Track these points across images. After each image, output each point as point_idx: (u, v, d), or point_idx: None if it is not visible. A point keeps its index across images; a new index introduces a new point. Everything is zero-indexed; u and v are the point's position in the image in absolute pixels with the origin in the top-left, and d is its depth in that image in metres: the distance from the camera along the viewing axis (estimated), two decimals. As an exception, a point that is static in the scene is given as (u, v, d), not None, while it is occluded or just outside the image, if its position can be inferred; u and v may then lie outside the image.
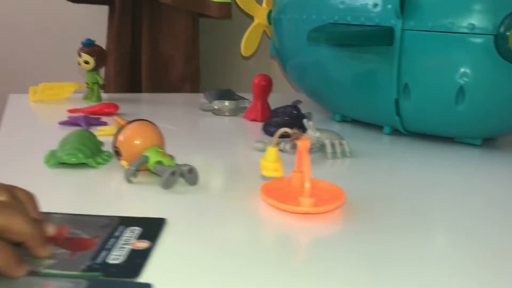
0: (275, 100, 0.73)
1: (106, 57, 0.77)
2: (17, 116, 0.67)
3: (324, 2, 0.65)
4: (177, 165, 0.41)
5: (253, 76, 0.71)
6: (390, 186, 0.47)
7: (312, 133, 0.54)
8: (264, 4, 0.85)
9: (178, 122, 0.68)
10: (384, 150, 0.61)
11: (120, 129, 0.43)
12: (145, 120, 0.44)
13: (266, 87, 0.70)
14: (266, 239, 0.35)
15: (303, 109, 0.67)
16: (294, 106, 0.62)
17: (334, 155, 0.54)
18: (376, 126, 0.68)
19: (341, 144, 0.54)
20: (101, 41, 1.15)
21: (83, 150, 0.45)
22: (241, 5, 0.83)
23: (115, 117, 0.48)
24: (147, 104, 0.80)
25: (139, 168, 0.42)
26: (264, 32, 0.88)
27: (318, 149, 0.54)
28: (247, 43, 0.86)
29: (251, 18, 0.86)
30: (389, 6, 0.57)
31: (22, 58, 1.34)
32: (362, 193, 0.43)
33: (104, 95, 0.79)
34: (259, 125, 0.67)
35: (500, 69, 0.54)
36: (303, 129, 0.56)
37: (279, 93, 0.93)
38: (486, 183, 0.51)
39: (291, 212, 0.37)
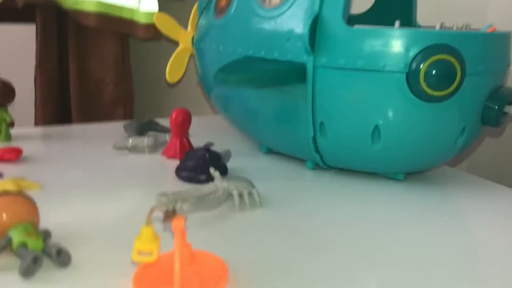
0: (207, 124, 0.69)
1: (12, 92, 0.71)
2: None
3: (238, 35, 0.61)
4: (46, 246, 0.37)
5: (187, 98, 0.66)
6: (301, 237, 0.44)
7: (219, 183, 0.50)
8: (189, 28, 0.81)
9: (86, 166, 0.63)
10: (303, 191, 0.58)
11: (-15, 204, 0.39)
12: (15, 193, 0.40)
13: (184, 122, 0.66)
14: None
15: (229, 140, 0.63)
16: (206, 149, 0.58)
17: (243, 206, 0.50)
18: (301, 160, 0.65)
19: (250, 194, 0.51)
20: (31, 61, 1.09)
21: None
22: (163, 31, 0.79)
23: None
24: (58, 141, 0.74)
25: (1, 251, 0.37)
26: (192, 55, 0.84)
27: (225, 199, 0.50)
28: (172, 69, 0.81)
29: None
30: (299, 44, 0.54)
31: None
32: (265, 254, 0.40)
33: (15, 132, 0.73)
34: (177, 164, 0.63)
35: (413, 107, 0.51)
36: (211, 178, 0.52)
37: (210, 116, 0.90)
38: (409, 216, 0.49)
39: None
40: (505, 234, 0.47)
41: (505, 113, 0.55)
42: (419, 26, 0.73)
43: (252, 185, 0.52)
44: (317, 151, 0.59)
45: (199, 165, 0.57)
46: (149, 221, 0.35)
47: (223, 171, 0.58)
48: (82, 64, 1.00)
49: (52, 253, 0.36)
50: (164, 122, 0.80)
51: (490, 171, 0.86)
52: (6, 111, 0.71)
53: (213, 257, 0.37)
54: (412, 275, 0.39)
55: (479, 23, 0.82)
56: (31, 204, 0.40)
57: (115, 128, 0.82)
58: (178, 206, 0.45)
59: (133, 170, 0.63)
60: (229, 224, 0.47)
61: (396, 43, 0.50)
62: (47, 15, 0.99)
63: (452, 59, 0.49)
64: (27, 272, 0.35)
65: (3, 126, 0.71)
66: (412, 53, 0.50)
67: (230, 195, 0.50)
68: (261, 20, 0.58)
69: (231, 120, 0.73)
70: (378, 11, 0.76)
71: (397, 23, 0.53)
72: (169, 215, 0.35)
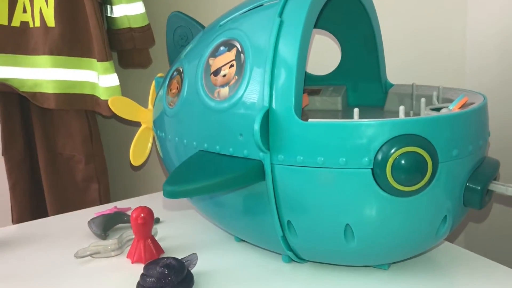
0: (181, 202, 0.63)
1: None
2: None
3: (191, 128, 0.56)
4: None
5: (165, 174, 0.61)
6: None
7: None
8: (149, 106, 0.76)
9: (47, 277, 0.58)
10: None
11: None
12: None
13: (145, 224, 0.61)
14: None
15: (206, 229, 0.58)
16: (165, 264, 0.52)
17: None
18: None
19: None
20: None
21: None
22: (121, 115, 0.73)
23: None
24: (16, 245, 0.69)
25: None
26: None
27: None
28: (136, 151, 0.76)
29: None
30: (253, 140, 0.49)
31: None
32: None
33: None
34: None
35: (385, 203, 0.46)
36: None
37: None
38: None
39: None
40: None
41: (490, 191, 0.50)
42: (390, 85, 0.68)
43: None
44: (289, 249, 0.54)
45: (160, 283, 0.51)
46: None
47: (189, 282, 0.53)
48: (50, 144, 0.96)
49: None
50: (145, 201, 0.75)
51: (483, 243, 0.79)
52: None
53: None
54: None
55: (455, 76, 0.77)
56: None
57: (74, 221, 0.76)
58: None
59: (94, 280, 0.57)
60: None
61: (357, 136, 0.45)
62: (8, 97, 0.95)
63: (421, 150, 0.44)
64: None
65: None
66: (375, 146, 0.44)
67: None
68: (212, 113, 0.53)
69: (200, 210, 0.67)
70: (346, 70, 0.71)
71: (355, 111, 0.48)
72: None
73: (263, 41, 0.50)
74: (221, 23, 0.57)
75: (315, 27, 0.64)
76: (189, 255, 0.57)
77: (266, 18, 0.50)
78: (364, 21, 0.64)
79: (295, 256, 0.55)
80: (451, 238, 0.81)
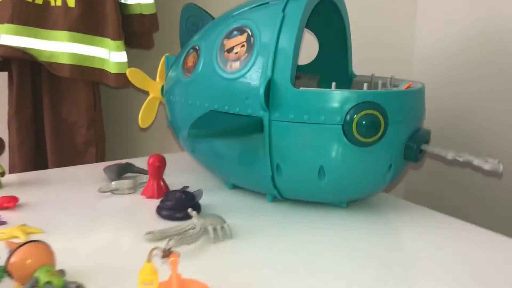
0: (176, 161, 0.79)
1: (2, 145, 0.79)
2: None
3: (205, 92, 0.73)
4: (66, 282, 0.47)
5: (155, 140, 0.76)
6: (266, 261, 0.55)
7: (196, 221, 0.61)
8: (157, 79, 0.92)
9: (76, 210, 0.72)
10: (265, 221, 0.69)
11: (11, 252, 0.48)
12: (35, 241, 0.49)
13: (160, 167, 0.77)
14: None
15: (198, 177, 0.73)
16: (183, 191, 0.69)
17: (217, 238, 0.61)
18: (261, 194, 0.77)
19: (222, 227, 0.62)
20: (2, 106, 1.16)
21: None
22: (135, 83, 0.89)
23: (6, 242, 0.52)
24: (45, 187, 0.83)
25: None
26: (161, 102, 0.94)
27: (202, 234, 0.61)
28: (144, 116, 0.92)
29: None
30: (256, 102, 0.66)
31: None
32: (238, 276, 0.51)
33: (4, 180, 0.81)
34: (155, 203, 0.73)
35: (349, 151, 0.64)
36: (187, 216, 0.63)
37: (178, 154, 1.00)
38: (351, 238, 0.62)
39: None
40: (432, 249, 0.61)
41: (423, 151, 0.70)
42: (354, 75, 0.88)
43: (223, 220, 0.63)
44: (275, 187, 0.71)
45: (177, 205, 0.67)
46: (150, 259, 0.46)
47: (197, 209, 0.69)
48: (56, 110, 1.09)
49: (72, 288, 0.46)
50: (138, 163, 0.90)
51: (420, 195, 1.01)
52: (-3, 162, 0.79)
53: (198, 282, 0.48)
54: (353, 285, 0.51)
55: (405, 71, 0.98)
56: (49, 249, 0.50)
57: (92, 170, 0.91)
58: (165, 243, 0.55)
59: (118, 210, 0.72)
60: (207, 254, 0.58)
61: (332, 101, 0.63)
62: (22, 66, 1.07)
63: (377, 113, 0.63)
64: (56, 305, 0.45)
65: (-5, 176, 0.79)
66: (345, 109, 0.63)
67: (206, 230, 0.61)
68: (224, 81, 0.70)
69: (198, 160, 0.84)
70: (321, 62, 0.90)
71: (333, 84, 0.66)
72: (166, 253, 0.46)
73: (269, 28, 0.67)
74: (234, 14, 0.74)
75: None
76: (196, 190, 0.73)
77: (272, 12, 0.68)
78: (338, 23, 0.83)
79: (278, 194, 0.73)
80: (395, 192, 1.01)
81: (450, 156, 0.68)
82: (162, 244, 0.55)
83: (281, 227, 0.67)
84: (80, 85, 1.07)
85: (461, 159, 0.67)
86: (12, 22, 0.98)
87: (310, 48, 0.90)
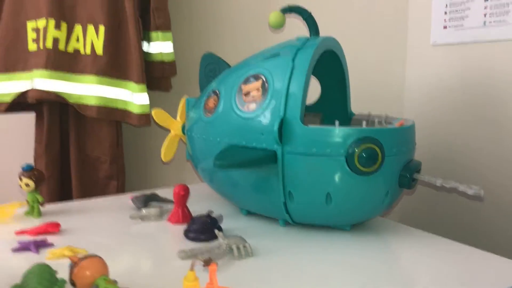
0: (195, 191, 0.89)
1: (43, 178, 0.89)
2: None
3: (224, 129, 0.83)
4: (120, 289, 0.56)
5: (172, 173, 0.86)
6: (283, 273, 0.65)
7: (222, 240, 0.71)
8: (178, 118, 1.03)
9: (113, 234, 0.82)
10: (280, 242, 0.79)
11: (74, 265, 0.57)
12: (93, 256, 0.59)
13: (185, 196, 0.87)
14: None
15: (216, 205, 0.83)
16: (208, 215, 0.79)
17: (240, 256, 0.71)
18: (274, 219, 0.87)
19: (244, 247, 0.71)
20: (29, 144, 1.26)
21: (43, 283, 0.58)
22: (159, 122, 1.00)
23: (70, 257, 0.61)
24: (81, 215, 0.92)
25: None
26: (181, 139, 1.05)
27: (227, 251, 0.71)
28: (166, 151, 1.02)
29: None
30: (271, 137, 0.77)
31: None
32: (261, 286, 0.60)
33: (42, 209, 0.91)
34: (181, 228, 0.82)
35: (352, 179, 0.75)
36: (211, 237, 0.73)
37: (197, 185, 1.10)
38: (356, 257, 0.71)
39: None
40: (425, 265, 0.70)
41: (415, 179, 0.80)
42: (353, 114, 0.99)
43: (244, 240, 0.73)
44: (287, 212, 0.81)
45: (203, 228, 0.77)
46: (192, 268, 0.55)
47: (220, 231, 0.79)
48: (81, 147, 1.19)
49: (126, 294, 0.55)
50: (160, 193, 1.00)
51: (414, 217, 1.11)
52: (38, 193, 0.89)
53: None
54: (358, 292, 0.60)
55: (397, 108, 1.09)
56: (104, 262, 0.59)
57: (116, 201, 1.01)
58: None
59: (148, 234, 0.82)
60: (232, 269, 0.68)
61: (337, 137, 0.74)
62: (52, 107, 1.18)
63: (375, 147, 0.74)
64: (115, 306, 0.54)
65: (36, 205, 0.88)
66: (348, 143, 0.74)
67: (230, 249, 0.71)
68: (242, 120, 0.81)
69: (215, 189, 0.94)
70: (323, 102, 1.02)
71: (336, 123, 0.77)
72: (207, 262, 0.56)
73: (281, 75, 0.79)
74: (250, 63, 0.86)
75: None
76: (218, 215, 0.83)
77: (283, 62, 0.80)
78: (338, 69, 0.96)
79: (290, 219, 0.82)
80: (392, 215, 1.11)
81: (438, 182, 0.78)
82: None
83: (293, 247, 0.76)
84: (104, 124, 1.18)
85: (448, 185, 0.77)
86: (45, 68, 1.10)
87: (313, 91, 1.02)
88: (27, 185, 0.87)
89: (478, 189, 0.75)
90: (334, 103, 1.00)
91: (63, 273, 0.60)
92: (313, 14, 0.88)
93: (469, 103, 1.02)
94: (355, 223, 0.85)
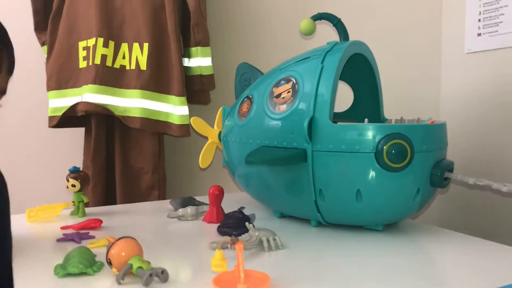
0: (231, 199, 0.92)
1: (89, 180, 0.95)
2: (18, 235, 0.83)
3: (257, 131, 0.86)
4: (153, 268, 0.59)
5: (210, 181, 0.90)
6: (312, 268, 0.66)
7: (252, 232, 0.73)
8: (215, 126, 1.07)
9: (151, 230, 0.86)
10: (311, 241, 0.80)
11: (111, 245, 0.61)
12: (128, 237, 0.62)
13: (219, 196, 0.90)
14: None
15: (251, 209, 0.85)
16: (240, 211, 0.81)
17: (270, 248, 0.72)
18: (306, 220, 0.88)
19: (274, 239, 0.73)
20: (78, 157, 1.34)
21: (83, 263, 0.62)
22: (197, 130, 1.05)
23: (107, 237, 0.66)
24: (123, 215, 0.97)
25: (126, 273, 0.59)
26: (217, 147, 1.09)
27: (257, 244, 0.73)
28: (203, 158, 1.06)
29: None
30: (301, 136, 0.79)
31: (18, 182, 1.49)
32: (288, 276, 0.61)
33: (86, 210, 0.96)
34: (215, 226, 0.85)
35: (382, 175, 0.76)
36: (243, 232, 0.75)
37: (233, 193, 1.13)
38: (389, 257, 0.71)
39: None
40: (463, 268, 0.69)
41: (448, 178, 0.80)
42: (385, 119, 1.00)
43: (274, 233, 0.74)
44: (319, 211, 0.82)
45: (236, 224, 0.79)
46: (220, 247, 0.58)
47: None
48: (126, 158, 1.25)
49: (158, 272, 0.58)
50: (198, 198, 1.04)
51: (442, 219, 1.09)
52: (83, 194, 0.95)
53: (260, 272, 0.59)
54: None
55: (432, 113, 1.09)
56: (138, 244, 0.62)
57: (157, 206, 1.05)
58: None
59: (185, 231, 0.85)
60: (262, 260, 0.69)
61: (365, 133, 0.76)
62: (99, 120, 1.26)
63: (404, 142, 0.75)
64: (147, 282, 0.57)
65: (81, 205, 0.94)
66: (377, 139, 0.75)
67: (260, 241, 0.73)
68: (273, 120, 0.84)
69: (250, 193, 0.96)
70: (356, 109, 1.03)
71: (366, 120, 0.79)
72: (234, 241, 0.58)
73: (310, 77, 0.82)
74: (281, 68, 0.90)
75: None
76: (251, 214, 0.85)
77: (312, 64, 0.83)
78: (369, 75, 0.97)
79: (321, 218, 0.83)
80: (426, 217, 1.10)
81: (471, 181, 0.77)
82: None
83: (324, 246, 0.76)
84: (147, 135, 1.24)
85: (481, 183, 0.76)
86: (94, 83, 1.18)
87: (346, 98, 1.04)
88: (73, 185, 0.93)
89: (512, 186, 0.73)
90: (367, 110, 1.01)
91: (102, 259, 0.64)
92: (347, 24, 0.91)
93: (504, 108, 1.01)
94: (387, 223, 0.84)
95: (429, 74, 1.14)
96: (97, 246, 0.73)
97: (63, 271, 0.62)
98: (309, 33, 0.91)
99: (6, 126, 1.41)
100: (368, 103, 1.01)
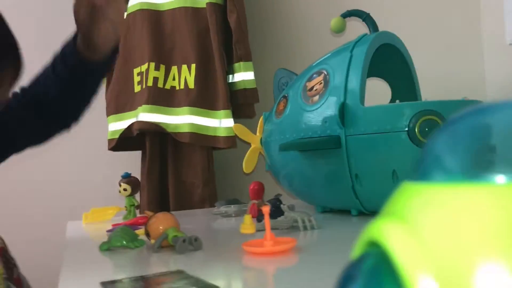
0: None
1: (139, 185, 1.01)
2: (76, 237, 0.89)
3: (294, 126, 0.89)
4: (188, 236, 0.62)
5: None
6: (345, 248, 0.66)
7: (288, 213, 0.74)
8: (257, 133, 1.11)
9: (194, 222, 0.89)
10: (350, 226, 0.79)
11: (149, 218, 0.65)
12: (165, 212, 0.66)
13: (259, 190, 0.92)
14: (245, 270, 0.54)
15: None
16: (276, 198, 0.83)
17: (304, 227, 0.73)
18: (347, 212, 0.88)
19: (309, 220, 0.74)
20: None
21: (125, 238, 0.66)
22: (239, 135, 1.09)
23: (145, 211, 0.70)
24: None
25: (162, 243, 0.62)
26: (260, 153, 1.12)
27: (292, 224, 0.74)
28: (247, 163, 1.10)
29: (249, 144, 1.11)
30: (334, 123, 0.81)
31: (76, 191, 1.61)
32: (317, 248, 0.62)
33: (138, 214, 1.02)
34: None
35: (415, 153, 0.75)
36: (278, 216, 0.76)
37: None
38: None
39: (259, 253, 0.56)
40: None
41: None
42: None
43: (309, 215, 0.75)
44: (357, 197, 0.82)
45: (273, 211, 0.81)
46: (248, 212, 0.60)
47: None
48: (178, 173, 1.31)
49: (191, 240, 0.61)
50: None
51: None
52: (135, 198, 1.01)
53: (288, 238, 0.61)
54: None
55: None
56: (174, 217, 0.66)
57: (205, 211, 1.09)
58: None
59: (228, 226, 0.88)
60: (296, 236, 0.70)
61: (396, 112, 0.76)
62: (154, 140, 1.35)
63: (436, 118, 0.74)
64: (181, 249, 0.60)
65: (133, 209, 1.00)
66: (408, 117, 0.75)
67: (295, 221, 0.74)
68: (307, 113, 0.86)
69: (292, 192, 0.97)
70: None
71: (397, 101, 0.79)
72: (260, 204, 0.60)
73: (340, 66, 0.84)
74: (314, 65, 0.93)
75: (374, 76, 0.98)
76: (290, 204, 0.86)
77: (342, 55, 0.86)
78: (405, 70, 0.98)
79: (361, 205, 0.83)
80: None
81: None
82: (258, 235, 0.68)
83: (360, 229, 0.76)
84: (197, 151, 1.30)
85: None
86: (147, 103, 1.27)
87: (385, 95, 1.05)
88: (125, 189, 0.99)
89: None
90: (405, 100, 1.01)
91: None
92: (388, 22, 0.93)
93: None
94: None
95: (471, 68, 1.12)
96: (142, 233, 0.77)
97: (106, 245, 0.66)
98: (340, 30, 0.95)
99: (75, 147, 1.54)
100: (406, 99, 1.01)
